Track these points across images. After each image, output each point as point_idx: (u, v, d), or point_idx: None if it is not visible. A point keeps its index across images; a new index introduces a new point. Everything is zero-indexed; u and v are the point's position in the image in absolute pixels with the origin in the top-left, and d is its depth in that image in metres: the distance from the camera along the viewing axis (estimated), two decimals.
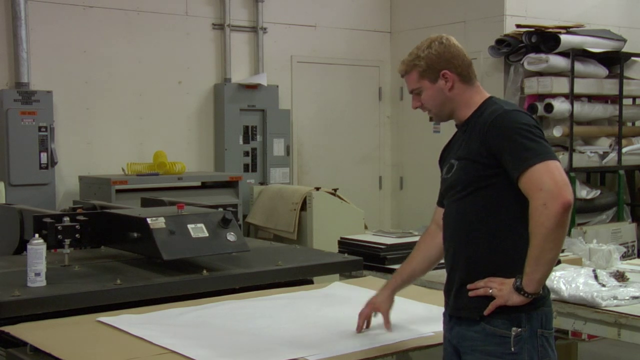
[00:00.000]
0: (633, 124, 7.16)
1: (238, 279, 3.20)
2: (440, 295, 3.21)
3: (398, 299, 3.07)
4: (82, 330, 2.59)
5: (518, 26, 6.33)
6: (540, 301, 2.22)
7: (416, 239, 3.98)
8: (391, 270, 3.72)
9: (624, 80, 6.57)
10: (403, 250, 3.86)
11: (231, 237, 3.25)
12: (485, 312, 2.19)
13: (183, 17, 6.52)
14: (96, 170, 6.04)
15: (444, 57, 2.32)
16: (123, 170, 5.93)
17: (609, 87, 6.56)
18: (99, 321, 2.68)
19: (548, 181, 2.09)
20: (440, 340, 2.54)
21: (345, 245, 4.01)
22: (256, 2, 6.84)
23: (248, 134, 6.70)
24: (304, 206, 5.87)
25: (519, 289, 2.15)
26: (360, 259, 3.66)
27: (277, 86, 6.86)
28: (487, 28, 6.53)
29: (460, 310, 2.28)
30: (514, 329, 2.18)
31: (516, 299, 2.15)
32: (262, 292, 3.16)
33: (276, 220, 6.01)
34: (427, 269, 2.64)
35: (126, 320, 2.67)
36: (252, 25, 6.87)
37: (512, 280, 2.17)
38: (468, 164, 2.27)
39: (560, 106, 6.15)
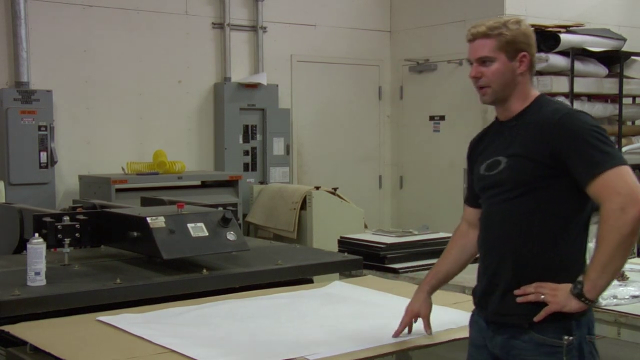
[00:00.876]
0: (633, 123, 7.16)
1: (238, 278, 3.20)
2: (439, 294, 3.22)
3: (397, 298, 3.08)
4: (82, 330, 2.58)
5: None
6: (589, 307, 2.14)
7: (416, 238, 4.01)
8: (391, 270, 3.73)
9: (624, 80, 6.57)
10: (403, 250, 3.86)
11: (231, 236, 3.25)
12: (537, 319, 2.09)
13: (183, 16, 6.52)
14: (96, 170, 6.04)
15: (528, 39, 2.21)
16: (123, 169, 5.93)
17: (609, 86, 6.56)
18: (98, 320, 2.68)
19: (624, 186, 1.99)
20: (440, 340, 2.54)
21: (345, 244, 4.01)
22: (256, 2, 6.83)
23: (248, 133, 6.70)
24: (303, 205, 5.87)
25: (579, 295, 2.04)
26: (360, 258, 3.66)
27: (277, 85, 6.85)
28: None
29: (506, 316, 2.17)
30: (565, 337, 2.08)
31: (574, 306, 2.05)
32: (262, 291, 3.16)
33: (276, 220, 6.01)
34: (461, 269, 2.53)
35: (126, 320, 2.67)
36: (252, 24, 6.87)
37: (566, 285, 2.07)
38: (524, 162, 2.14)
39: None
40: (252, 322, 2.68)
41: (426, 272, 3.66)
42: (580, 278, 2.08)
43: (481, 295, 2.28)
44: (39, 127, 5.63)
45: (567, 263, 2.12)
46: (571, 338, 2.08)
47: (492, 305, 2.22)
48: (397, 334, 2.49)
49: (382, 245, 3.83)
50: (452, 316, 2.79)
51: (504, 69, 2.21)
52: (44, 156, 5.64)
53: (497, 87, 2.23)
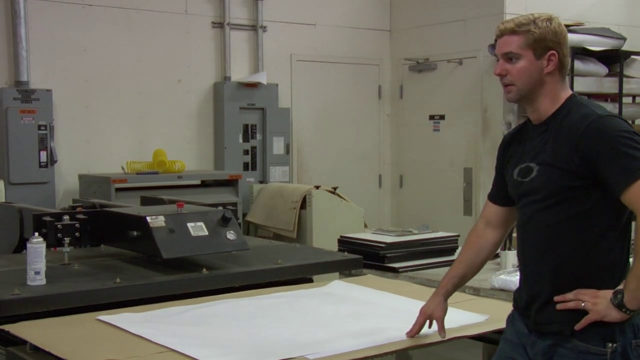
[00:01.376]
0: (633, 122, 7.14)
1: (238, 278, 3.20)
2: None
3: (397, 298, 3.08)
4: (82, 329, 2.58)
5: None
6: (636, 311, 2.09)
7: (416, 237, 4.01)
8: (391, 269, 3.72)
9: (624, 79, 6.57)
10: (403, 249, 3.86)
11: (231, 235, 3.25)
12: (578, 327, 2.06)
13: (183, 15, 6.51)
14: (96, 169, 6.04)
15: (558, 38, 2.13)
16: (123, 168, 5.93)
17: (609, 85, 6.56)
18: (98, 320, 2.67)
19: None
20: (439, 338, 2.51)
21: (345, 243, 4.00)
22: (256, 1, 6.83)
23: (248, 132, 6.69)
24: (303, 205, 5.87)
25: (620, 306, 2.01)
26: (360, 257, 3.65)
27: (277, 85, 6.85)
28: (486, 26, 6.52)
29: (547, 325, 2.14)
30: (609, 344, 2.05)
31: (615, 316, 2.02)
32: (262, 290, 3.16)
33: (276, 219, 6.01)
34: (476, 272, 2.50)
35: (126, 319, 2.67)
36: (251, 23, 6.87)
37: (607, 293, 2.05)
38: (554, 172, 2.09)
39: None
40: (252, 322, 2.68)
41: (426, 271, 3.71)
42: (620, 286, 2.05)
43: (524, 304, 2.24)
44: (39, 127, 5.62)
45: (607, 270, 2.09)
46: (615, 345, 2.05)
47: (535, 314, 2.19)
48: (411, 334, 2.47)
49: (382, 245, 3.83)
50: (451, 315, 2.79)
51: (530, 67, 2.14)
52: (43, 155, 5.64)
53: (521, 85, 2.16)
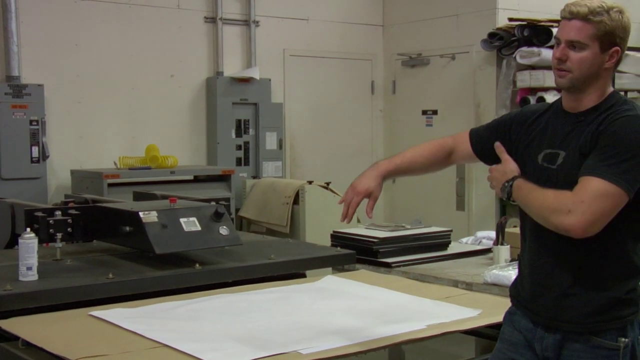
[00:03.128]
0: None
1: (231, 273, 3.20)
2: (431, 288, 3.23)
3: (390, 292, 3.08)
4: (75, 325, 2.58)
5: (510, 20, 6.34)
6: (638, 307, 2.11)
7: (409, 232, 4.01)
8: (384, 264, 3.72)
9: (616, 74, 6.58)
10: (396, 244, 3.86)
11: (224, 230, 3.24)
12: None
13: (175, 10, 6.49)
14: (88, 164, 6.03)
15: (625, 33, 2.06)
16: (115, 164, 5.92)
17: None
18: (91, 315, 2.67)
19: (584, 195, 1.93)
20: (432, 333, 2.53)
21: (338, 238, 4.00)
22: None
23: (240, 127, 6.69)
24: (296, 200, 5.87)
25: (509, 191, 2.12)
26: (353, 252, 3.66)
27: (270, 80, 6.84)
28: (479, 22, 6.53)
29: (562, 322, 2.10)
30: (622, 339, 2.05)
31: (499, 194, 2.17)
32: (255, 285, 3.16)
33: (269, 214, 6.01)
34: (421, 173, 2.53)
35: (119, 314, 2.67)
36: (244, 18, 6.85)
37: (500, 168, 2.17)
38: (578, 163, 2.04)
39: (553, 100, 6.16)
40: (245, 317, 2.68)
41: (419, 266, 3.71)
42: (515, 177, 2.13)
43: (530, 297, 2.19)
44: (31, 122, 5.61)
45: (633, 270, 2.08)
46: (627, 340, 2.06)
47: (544, 309, 2.14)
48: (349, 218, 2.47)
49: (375, 240, 3.83)
50: (445, 310, 2.80)
51: (592, 59, 2.06)
52: (35, 151, 5.63)
53: (578, 75, 2.07)
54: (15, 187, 5.45)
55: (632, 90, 7.04)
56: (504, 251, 3.45)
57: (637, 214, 2.05)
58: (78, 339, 2.40)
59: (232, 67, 6.76)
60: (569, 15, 2.07)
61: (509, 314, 2.30)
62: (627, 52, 7.17)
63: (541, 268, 2.15)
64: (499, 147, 2.26)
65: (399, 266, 3.70)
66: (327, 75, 7.32)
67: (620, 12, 2.06)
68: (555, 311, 2.10)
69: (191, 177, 6.27)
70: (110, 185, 5.54)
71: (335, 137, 7.38)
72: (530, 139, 2.23)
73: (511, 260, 3.48)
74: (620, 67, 6.62)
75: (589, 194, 1.94)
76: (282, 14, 7.04)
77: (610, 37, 2.04)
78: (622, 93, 7.33)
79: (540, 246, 2.16)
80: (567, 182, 2.05)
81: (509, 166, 2.18)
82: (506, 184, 2.13)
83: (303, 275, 3.49)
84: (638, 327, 2.10)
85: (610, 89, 2.13)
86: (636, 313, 2.09)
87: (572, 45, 2.07)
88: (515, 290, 2.28)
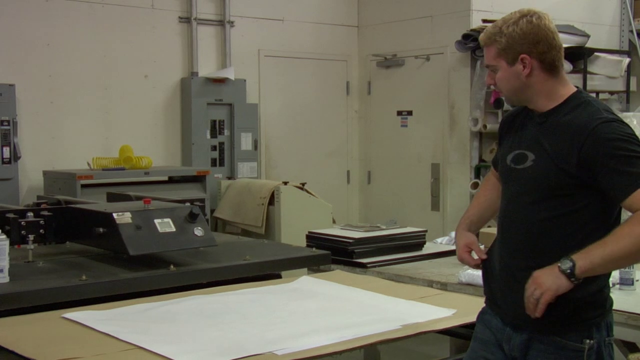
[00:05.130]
0: None
1: (205, 274, 3.20)
2: (406, 289, 3.25)
3: (365, 293, 3.09)
4: (47, 327, 2.56)
5: (484, 21, 6.38)
6: (609, 308, 2.12)
7: (384, 232, 4.02)
8: (359, 264, 3.73)
9: (588, 76, 6.66)
10: (371, 244, 3.88)
11: (198, 231, 3.24)
12: (538, 314, 2.00)
13: (149, 10, 6.45)
14: (61, 165, 5.97)
15: (527, 39, 2.07)
16: (88, 164, 5.87)
17: (573, 81, 6.37)
18: (64, 317, 2.65)
19: None
20: (407, 333, 2.54)
21: (313, 239, 4.01)
22: None
23: (215, 128, 6.66)
24: (271, 200, 5.86)
25: (569, 273, 1.95)
26: (329, 253, 3.67)
27: (245, 80, 6.82)
28: (453, 23, 6.57)
29: (529, 323, 2.09)
30: (587, 341, 2.05)
31: (567, 285, 1.96)
32: (230, 286, 3.16)
33: (244, 215, 6.00)
34: (494, 215, 2.41)
35: (92, 316, 2.65)
36: (219, 18, 6.83)
37: (546, 268, 2.00)
38: (550, 168, 2.06)
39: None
40: (219, 318, 2.68)
41: (394, 266, 3.73)
42: (569, 257, 2.00)
43: (499, 297, 2.21)
44: (2, 122, 5.54)
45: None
46: (592, 342, 2.06)
47: (511, 308, 2.15)
48: (475, 263, 2.35)
49: (350, 240, 3.84)
50: (419, 310, 2.81)
51: (508, 75, 2.12)
52: (6, 151, 5.56)
53: (506, 92, 2.17)
54: None
55: (604, 92, 7.14)
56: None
57: (595, 213, 2.07)
58: (50, 342, 2.39)
59: (206, 67, 6.73)
60: (481, 44, 2.18)
61: (481, 313, 2.32)
62: (597, 54, 7.20)
63: (509, 268, 2.17)
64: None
65: (374, 266, 3.71)
66: (302, 76, 7.32)
67: (516, 22, 2.09)
68: (522, 311, 2.08)
69: (166, 178, 6.23)
70: (83, 186, 5.49)
71: (311, 137, 7.38)
72: (504, 140, 2.27)
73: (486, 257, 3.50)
74: (592, 69, 6.75)
75: None
76: (257, 14, 7.03)
77: (510, 50, 2.09)
78: (594, 94, 7.41)
79: (508, 246, 2.18)
80: (535, 185, 2.09)
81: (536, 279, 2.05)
82: (564, 271, 1.99)
83: (278, 276, 3.49)
84: (606, 328, 2.11)
85: (568, 90, 2.14)
86: (603, 315, 2.11)
87: (491, 69, 2.16)
88: (487, 289, 2.30)
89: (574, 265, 1.96)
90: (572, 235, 2.07)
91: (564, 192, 2.06)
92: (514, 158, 2.18)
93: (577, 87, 2.18)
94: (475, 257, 2.33)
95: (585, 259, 1.97)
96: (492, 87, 2.22)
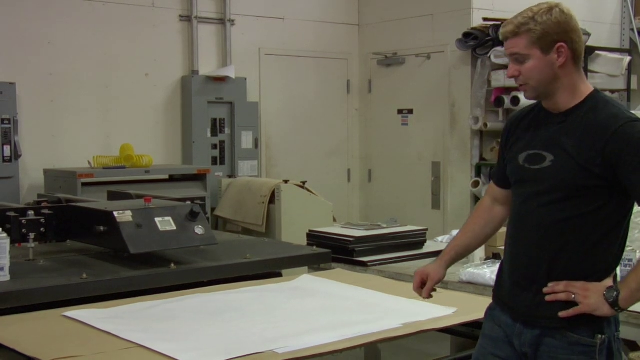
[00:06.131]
0: None
1: (206, 272, 3.21)
2: (406, 287, 3.24)
3: (365, 291, 3.09)
4: (48, 326, 2.56)
5: (485, 20, 6.38)
6: None
7: (385, 231, 4.03)
8: (360, 263, 3.74)
9: (588, 74, 6.66)
10: (372, 243, 3.88)
11: (199, 230, 3.25)
12: (563, 314, 2.05)
13: (150, 8, 6.45)
14: (62, 164, 5.97)
15: (564, 28, 2.06)
16: (89, 163, 5.88)
17: None
18: (64, 316, 2.66)
19: None
20: (407, 332, 2.55)
21: (314, 238, 4.02)
22: None
23: (216, 126, 6.67)
24: (272, 199, 5.87)
25: (614, 304, 2.00)
26: (329, 251, 3.68)
27: (245, 79, 6.83)
28: (454, 21, 6.57)
29: (539, 319, 2.12)
30: (598, 336, 2.06)
31: (607, 311, 2.01)
32: (231, 285, 3.16)
33: (245, 213, 6.00)
34: (482, 244, 2.51)
35: (93, 315, 2.66)
36: (219, 17, 6.83)
37: (597, 286, 2.04)
38: (572, 166, 2.05)
39: (527, 99, 6.21)
40: (220, 317, 2.68)
41: (395, 265, 3.73)
42: (611, 283, 2.04)
43: (508, 294, 2.22)
44: (2, 120, 5.54)
45: (605, 268, 2.09)
46: (603, 337, 2.07)
47: (523, 305, 2.16)
48: (426, 295, 2.45)
49: (351, 239, 3.85)
50: (420, 309, 2.81)
51: (541, 65, 2.09)
52: (7, 150, 5.56)
53: (535, 84, 2.12)
54: None
55: (605, 90, 7.10)
56: (479, 250, 3.47)
57: (612, 213, 2.08)
58: (51, 340, 2.39)
59: (207, 66, 6.73)
60: (503, 37, 2.15)
61: (489, 310, 2.32)
62: (597, 52, 7.21)
63: (520, 265, 2.18)
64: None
65: (374, 265, 3.72)
66: (302, 75, 7.32)
67: (549, 11, 2.08)
68: (533, 307, 2.12)
69: (166, 177, 6.24)
70: (84, 184, 5.50)
71: (311, 136, 7.38)
72: (514, 141, 2.25)
73: (486, 259, 3.51)
74: (593, 67, 6.75)
75: None
76: (257, 12, 7.03)
77: (547, 38, 2.07)
78: None
79: (519, 244, 2.19)
80: (555, 184, 2.08)
81: (582, 289, 2.08)
82: (608, 299, 2.02)
83: (279, 275, 3.50)
84: (615, 324, 2.12)
85: (588, 88, 2.14)
86: None
87: (517, 59, 2.12)
88: (497, 287, 2.31)
89: (617, 295, 2.00)
90: (590, 235, 2.08)
91: (584, 192, 2.06)
92: (527, 158, 2.17)
93: (594, 87, 2.17)
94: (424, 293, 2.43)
95: (625, 288, 2.00)
96: (514, 79, 2.16)
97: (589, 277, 2.08)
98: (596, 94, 2.13)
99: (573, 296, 2.05)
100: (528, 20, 2.08)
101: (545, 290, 2.10)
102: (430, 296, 2.45)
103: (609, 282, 2.06)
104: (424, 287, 2.44)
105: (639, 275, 2.00)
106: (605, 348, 2.08)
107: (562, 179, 2.07)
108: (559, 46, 2.07)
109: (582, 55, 2.12)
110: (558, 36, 2.07)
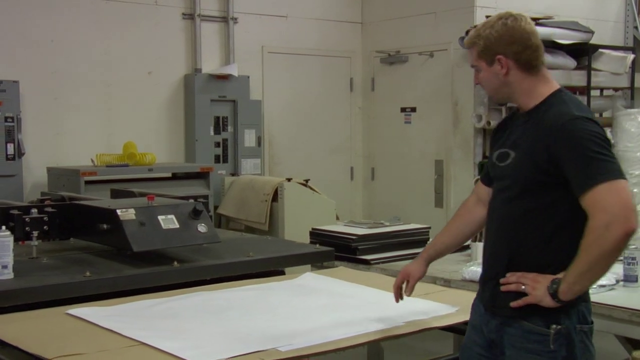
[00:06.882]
0: (601, 114, 7.25)
1: (209, 270, 3.22)
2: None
3: (369, 290, 3.10)
4: (51, 323, 2.57)
5: (488, 17, 6.37)
6: (579, 298, 2.16)
7: (387, 229, 4.03)
8: (363, 261, 3.75)
9: (592, 72, 6.66)
10: (374, 241, 3.89)
11: (202, 228, 3.27)
12: (513, 305, 2.16)
13: (152, 6, 6.46)
14: (65, 162, 5.99)
15: (502, 41, 2.21)
16: (92, 161, 5.89)
17: (577, 78, 6.64)
18: (68, 314, 2.67)
19: (615, 204, 1.99)
20: (411, 330, 2.56)
21: (317, 236, 4.03)
22: None
23: (219, 124, 6.68)
24: (275, 197, 5.88)
25: (553, 295, 2.09)
26: (332, 249, 3.69)
27: (248, 77, 6.84)
28: (457, 19, 6.57)
29: (497, 308, 2.24)
30: (553, 326, 2.13)
31: (548, 302, 2.10)
32: (234, 283, 3.17)
33: (247, 211, 6.02)
34: (462, 243, 2.63)
35: (96, 313, 2.67)
36: (222, 15, 6.84)
37: (547, 279, 2.12)
38: (527, 162, 2.17)
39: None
40: (223, 314, 2.69)
41: (398, 263, 3.73)
42: (560, 275, 2.11)
43: (481, 282, 2.37)
44: (6, 118, 5.56)
45: (559, 261, 2.14)
46: (559, 327, 2.13)
47: (487, 294, 2.30)
48: (396, 300, 2.58)
49: (354, 237, 3.85)
50: (423, 307, 2.82)
51: (488, 75, 2.26)
52: (10, 148, 5.58)
53: (490, 91, 2.32)
54: None
55: (608, 88, 7.13)
56: (482, 248, 3.47)
57: (565, 208, 2.14)
58: (54, 338, 2.40)
59: (210, 64, 6.74)
60: (466, 47, 2.35)
61: (474, 301, 2.42)
62: (601, 50, 7.17)
63: (489, 258, 2.32)
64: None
65: (377, 263, 3.72)
66: (306, 73, 7.33)
67: (492, 26, 2.24)
68: (494, 298, 2.25)
69: (169, 175, 6.26)
70: (87, 182, 5.51)
71: (314, 134, 7.39)
72: (496, 142, 2.38)
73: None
74: (596, 65, 6.74)
75: (602, 201, 2.01)
76: (260, 10, 7.03)
77: (488, 52, 2.23)
78: (598, 91, 7.34)
79: (488, 238, 2.35)
80: (514, 181, 2.21)
81: (532, 280, 2.17)
82: (549, 291, 2.11)
83: (282, 273, 3.51)
84: (577, 316, 2.17)
85: (549, 88, 2.23)
86: (573, 304, 2.15)
87: (476, 69, 2.31)
88: (480, 275, 2.42)
89: (557, 288, 2.09)
90: (544, 229, 2.16)
91: (538, 188, 2.15)
92: (498, 156, 2.30)
93: (560, 86, 2.27)
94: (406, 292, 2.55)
95: (564, 282, 2.09)
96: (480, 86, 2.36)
97: (545, 269, 2.15)
98: (557, 93, 2.22)
99: (523, 287, 2.15)
100: (476, 35, 2.27)
101: (501, 281, 2.21)
102: (409, 294, 2.57)
103: (562, 275, 2.12)
104: (407, 285, 2.55)
105: (576, 270, 2.06)
106: (561, 337, 2.13)
107: (518, 175, 2.20)
108: (498, 58, 2.22)
109: (532, 61, 2.22)
110: (497, 49, 2.22)
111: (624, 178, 2.05)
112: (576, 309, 2.16)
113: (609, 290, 3.11)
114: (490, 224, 2.33)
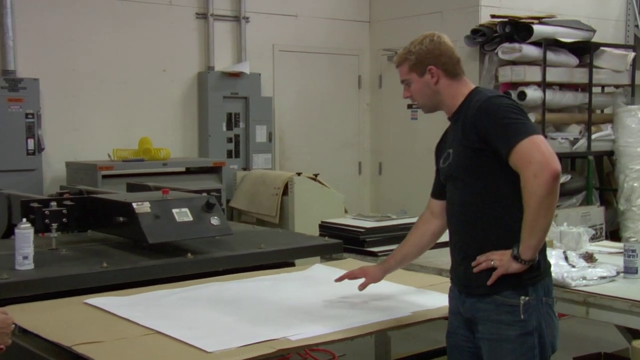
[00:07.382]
0: (602, 111, 7.29)
1: (222, 262, 3.25)
2: (417, 277, 3.33)
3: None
4: (70, 312, 2.61)
5: (493, 16, 6.42)
6: (544, 273, 2.40)
7: (394, 222, 4.09)
8: (370, 253, 3.80)
9: (594, 69, 6.67)
10: (382, 234, 3.94)
11: (215, 221, 3.29)
12: (489, 282, 2.35)
13: (167, 6, 6.54)
14: (83, 156, 6.07)
15: (432, 54, 2.49)
16: (109, 156, 5.97)
17: (579, 75, 6.68)
18: (86, 303, 2.71)
19: (536, 154, 2.23)
20: (418, 319, 2.62)
21: (326, 228, 4.07)
22: None
23: (231, 120, 6.75)
24: (285, 191, 5.91)
25: (516, 257, 2.30)
26: (341, 242, 3.73)
27: (259, 74, 6.90)
28: (463, 18, 6.61)
29: (471, 287, 2.42)
30: (522, 297, 2.34)
31: (515, 267, 2.31)
32: (245, 274, 3.21)
33: (259, 205, 6.06)
34: (419, 254, 2.81)
35: (112, 302, 2.70)
36: (234, 14, 6.91)
37: (510, 251, 2.33)
38: (462, 151, 2.40)
39: (533, 94, 6.27)
40: (235, 304, 2.72)
41: None
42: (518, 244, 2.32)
43: (453, 269, 2.54)
44: (26, 115, 5.62)
45: (511, 237, 2.33)
46: (527, 298, 2.35)
47: (460, 277, 2.48)
48: (339, 280, 2.83)
49: (362, 230, 3.90)
50: (429, 297, 2.87)
51: (420, 85, 2.51)
52: (31, 143, 5.65)
53: (422, 101, 2.55)
54: (12, 179, 5.45)
55: (609, 85, 7.15)
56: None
57: (508, 186, 2.34)
58: (73, 326, 2.44)
59: (222, 62, 6.81)
60: (394, 64, 2.59)
61: (450, 288, 2.59)
62: (602, 48, 7.21)
63: (456, 245, 2.51)
64: None
65: (384, 255, 3.75)
66: (315, 70, 7.38)
67: (420, 42, 2.51)
68: (467, 279, 2.44)
69: (183, 169, 6.32)
70: (104, 176, 5.57)
71: (323, 130, 7.45)
72: (439, 154, 2.60)
73: None
74: (598, 63, 6.78)
75: (527, 154, 2.24)
76: (271, 10, 7.10)
77: (420, 64, 2.50)
78: (600, 88, 7.32)
79: (452, 228, 2.54)
80: (459, 170, 2.43)
81: (499, 255, 2.37)
82: (514, 256, 2.33)
83: (292, 264, 3.54)
84: (542, 289, 2.38)
85: (468, 88, 2.49)
86: (539, 277, 2.38)
87: (406, 84, 2.55)
88: (451, 265, 2.59)
89: (517, 250, 2.31)
90: (500, 203, 2.36)
91: (481, 168, 2.37)
92: (443, 160, 2.53)
93: (476, 86, 2.54)
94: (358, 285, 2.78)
95: (521, 244, 2.30)
96: (410, 99, 2.59)
97: (502, 246, 2.36)
98: (475, 89, 2.50)
99: (492, 262, 2.35)
100: (406, 52, 2.53)
101: (473, 263, 2.40)
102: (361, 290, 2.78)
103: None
104: (362, 284, 2.77)
105: (526, 226, 2.28)
106: (530, 308, 2.34)
107: (460, 164, 2.42)
108: (429, 69, 2.49)
109: (456, 70, 2.50)
110: (429, 61, 2.49)
111: (540, 133, 2.30)
112: (542, 283, 2.38)
113: (609, 281, 3.17)
114: (451, 217, 2.52)
